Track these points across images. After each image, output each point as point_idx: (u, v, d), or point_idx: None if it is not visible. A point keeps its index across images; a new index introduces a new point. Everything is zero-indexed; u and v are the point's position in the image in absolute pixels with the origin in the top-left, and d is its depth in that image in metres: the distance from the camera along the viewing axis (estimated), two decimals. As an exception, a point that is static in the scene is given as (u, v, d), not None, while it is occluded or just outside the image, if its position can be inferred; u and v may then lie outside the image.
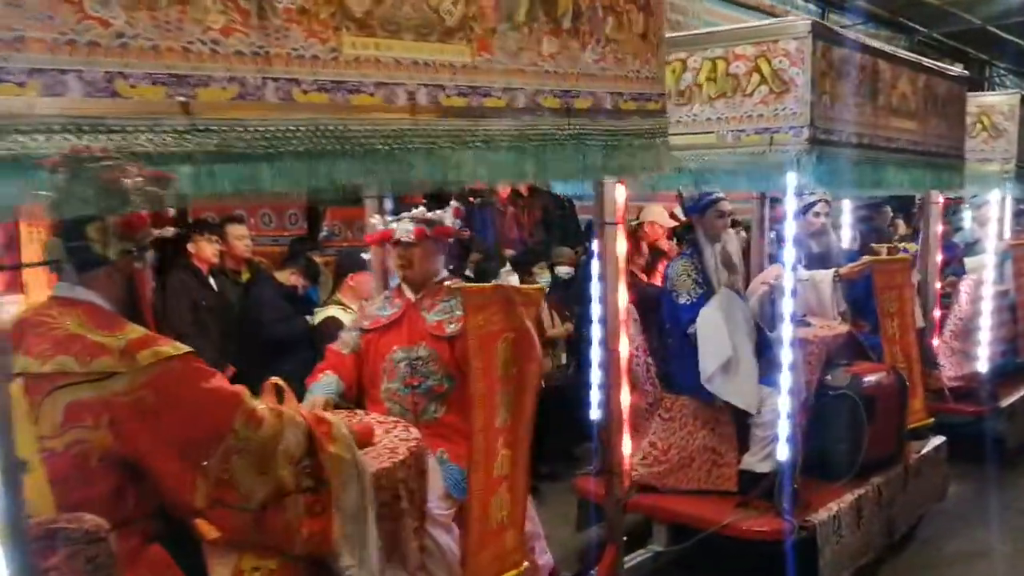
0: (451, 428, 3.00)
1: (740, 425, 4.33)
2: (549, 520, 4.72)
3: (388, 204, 3.41)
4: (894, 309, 5.13)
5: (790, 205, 3.89)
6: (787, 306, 3.91)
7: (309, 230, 6.65)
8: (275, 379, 2.30)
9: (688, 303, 4.32)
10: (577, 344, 5.71)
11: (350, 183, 1.89)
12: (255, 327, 4.95)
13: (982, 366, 6.26)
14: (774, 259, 5.55)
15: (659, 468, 4.33)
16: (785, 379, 3.95)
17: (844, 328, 4.83)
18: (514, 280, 5.43)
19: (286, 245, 5.97)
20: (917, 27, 11.95)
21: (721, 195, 4.48)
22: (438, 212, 3.13)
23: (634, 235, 5.82)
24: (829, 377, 4.55)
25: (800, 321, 4.73)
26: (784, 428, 3.98)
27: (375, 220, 3.22)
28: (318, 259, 5.81)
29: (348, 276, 4.85)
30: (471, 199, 7.00)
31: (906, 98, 4.44)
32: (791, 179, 3.84)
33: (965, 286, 6.36)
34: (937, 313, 5.50)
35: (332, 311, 4.75)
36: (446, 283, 3.19)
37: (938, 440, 5.26)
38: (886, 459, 4.65)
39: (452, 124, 2.10)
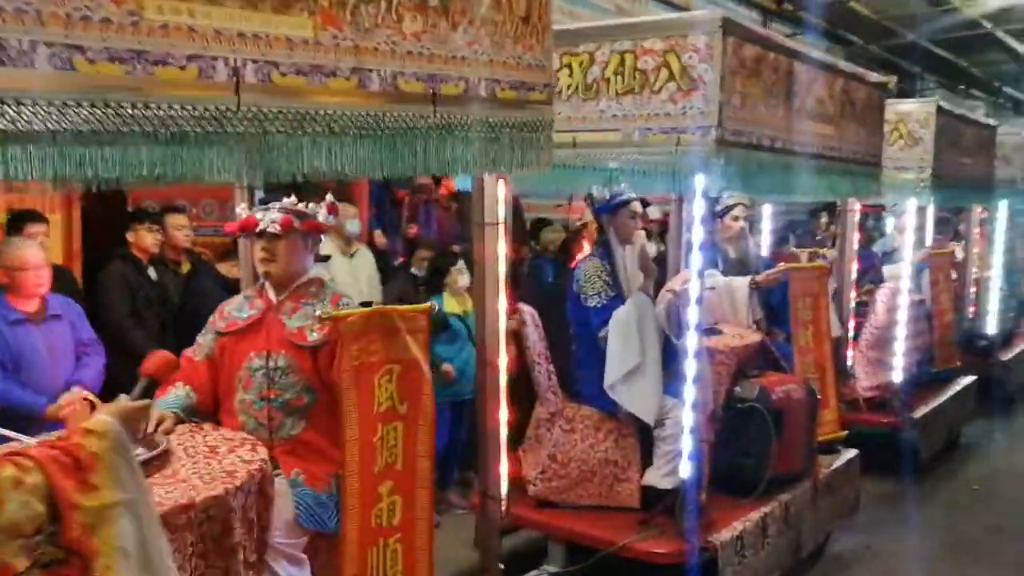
0: (309, 447, 2.70)
1: (644, 438, 4.13)
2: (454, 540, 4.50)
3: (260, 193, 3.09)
4: (808, 317, 5.01)
5: (697, 208, 3.69)
6: (692, 315, 3.72)
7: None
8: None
9: (598, 306, 4.11)
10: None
11: (150, 172, 1.60)
12: (195, 319, 4.69)
13: (897, 376, 6.19)
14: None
15: (558, 483, 4.11)
16: (689, 391, 3.75)
17: (756, 337, 4.67)
18: (465, 280, 5.25)
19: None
20: (854, 40, 12.10)
21: (633, 196, 4.28)
22: (311, 205, 2.83)
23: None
24: (738, 388, 4.38)
25: (710, 330, 4.57)
26: (688, 443, 3.79)
27: (240, 208, 2.89)
28: None
29: None
30: (414, 194, 6.97)
31: (823, 102, 4.28)
32: (699, 181, 3.64)
33: (881, 295, 6.28)
34: (852, 322, 5.37)
35: None
36: (315, 285, 2.89)
37: (850, 454, 5.14)
38: (795, 474, 4.50)
39: (284, 106, 1.82)
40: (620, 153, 3.71)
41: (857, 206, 5.22)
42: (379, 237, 6.69)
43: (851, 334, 5.41)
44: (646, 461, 4.12)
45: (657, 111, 3.55)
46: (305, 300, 2.82)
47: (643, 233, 4.29)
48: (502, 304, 2.57)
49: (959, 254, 8.67)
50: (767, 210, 6.50)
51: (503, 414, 2.61)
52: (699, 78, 3.44)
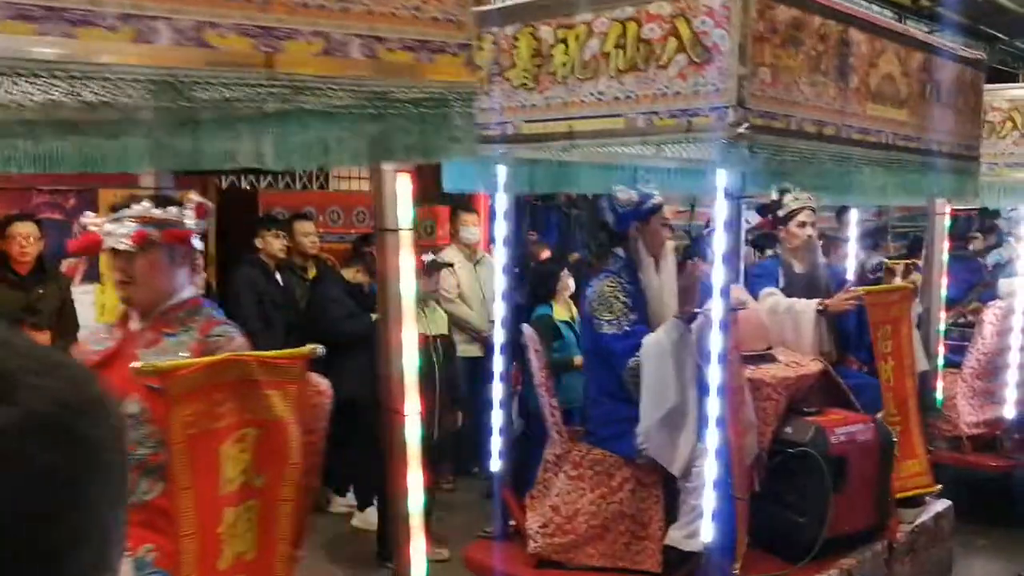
0: (168, 516, 2.15)
1: (669, 488, 3.44)
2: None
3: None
4: (888, 349, 4.17)
5: (720, 211, 2.99)
6: (715, 343, 3.01)
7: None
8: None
9: (615, 333, 3.45)
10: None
11: None
12: (320, 324, 4.97)
13: (1009, 411, 5.23)
14: (749, 277, 4.65)
15: (563, 539, 3.45)
16: (712, 436, 3.05)
17: (816, 367, 3.89)
18: (570, 284, 5.14)
19: (352, 243, 5.85)
20: (999, 35, 11.21)
21: (662, 199, 3.62)
22: (172, 209, 2.29)
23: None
24: (788, 429, 3.63)
25: (762, 356, 3.83)
26: (711, 499, 3.08)
27: (86, 219, 2.35)
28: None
29: None
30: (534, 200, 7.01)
31: (894, 80, 3.50)
32: (720, 178, 2.95)
33: (991, 315, 5.33)
34: (942, 348, 4.49)
35: None
36: (184, 309, 2.32)
37: (941, 506, 4.27)
38: (863, 533, 3.71)
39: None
40: (623, 143, 3.05)
41: (947, 209, 4.35)
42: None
43: (940, 362, 4.52)
44: (670, 516, 3.43)
45: (664, 89, 2.88)
46: (168, 329, 2.27)
47: (673, 244, 3.59)
48: (410, 334, 1.97)
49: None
50: (855, 215, 5.63)
51: (413, 479, 1.98)
52: (714, 47, 2.76)
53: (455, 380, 4.82)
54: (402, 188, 1.96)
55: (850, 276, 5.22)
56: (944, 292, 4.65)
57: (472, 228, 5.83)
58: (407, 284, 1.99)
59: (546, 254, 6.59)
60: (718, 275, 2.96)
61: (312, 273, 5.53)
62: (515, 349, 4.62)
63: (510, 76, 3.32)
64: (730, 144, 2.74)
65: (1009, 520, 5.25)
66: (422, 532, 2.06)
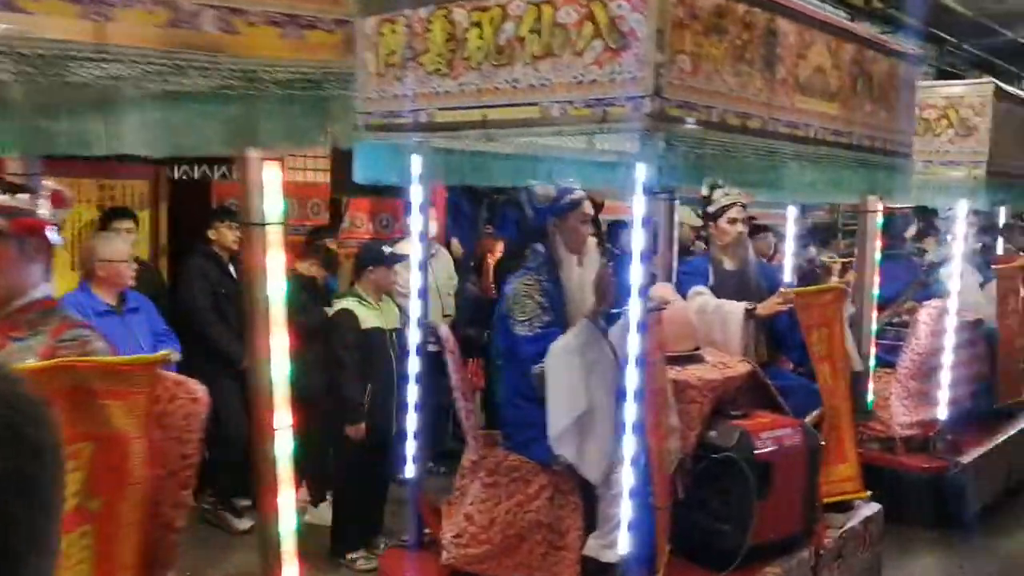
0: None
1: (588, 495, 3.30)
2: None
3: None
4: (824, 352, 4.07)
5: (638, 206, 2.83)
6: (633, 345, 2.86)
7: (330, 220, 6.58)
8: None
9: (528, 335, 3.29)
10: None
11: None
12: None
13: (942, 412, 5.18)
14: (679, 275, 4.53)
15: (477, 550, 3.29)
16: (628, 443, 2.90)
17: (743, 368, 3.77)
18: None
19: (306, 235, 5.84)
20: (947, 38, 11.56)
21: (584, 194, 3.46)
22: (23, 196, 2.06)
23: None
24: (713, 433, 3.50)
25: (690, 357, 3.70)
26: (628, 508, 2.93)
27: None
28: (339, 250, 5.77)
29: (369, 268, 4.71)
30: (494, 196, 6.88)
31: (823, 72, 3.38)
32: (639, 172, 2.80)
33: (926, 315, 5.27)
34: (873, 349, 4.40)
35: (347, 303, 4.62)
36: (36, 310, 2.09)
37: (870, 510, 4.19)
38: (788, 541, 3.60)
39: None
40: (537, 133, 2.89)
41: (879, 206, 4.27)
42: (456, 247, 6.65)
43: (872, 363, 4.44)
44: (590, 525, 3.28)
45: (580, 77, 2.72)
46: (15, 333, 2.04)
47: (595, 242, 3.44)
48: (280, 341, 1.77)
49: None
50: (793, 212, 5.53)
51: (287, 500, 1.79)
52: (630, 32, 2.60)
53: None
54: (270, 178, 1.77)
55: (788, 274, 5.13)
56: (877, 291, 4.56)
57: (430, 224, 5.65)
58: (276, 286, 1.79)
59: (500, 248, 6.56)
60: (636, 274, 2.81)
61: None
62: (471, 347, 4.48)
63: (423, 61, 3.14)
64: (647, 136, 2.59)
65: (941, 522, 5.22)
66: (295, 557, 1.87)
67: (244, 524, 4.98)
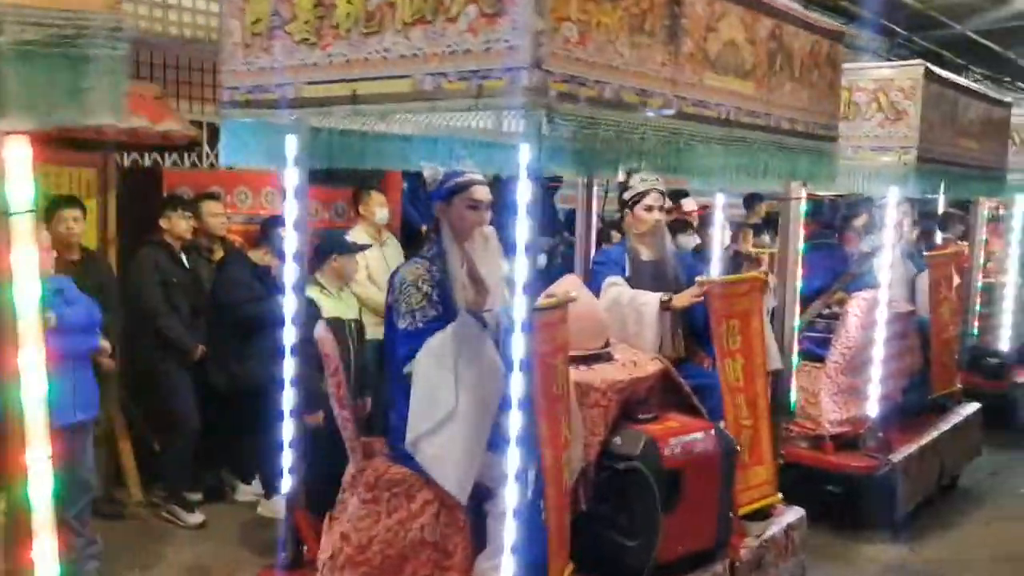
0: None
1: (479, 512, 3.00)
2: None
3: None
4: (737, 345, 3.82)
5: (523, 192, 2.52)
6: (516, 346, 2.56)
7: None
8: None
9: (409, 330, 2.98)
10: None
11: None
12: (226, 306, 5.00)
13: (872, 408, 4.98)
14: (592, 265, 4.25)
15: (353, 572, 2.97)
16: (512, 456, 2.60)
17: (655, 367, 3.50)
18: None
19: (260, 224, 5.77)
20: (898, 30, 11.61)
21: (476, 177, 3.15)
22: None
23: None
24: (617, 440, 3.22)
25: (596, 356, 3.42)
26: (512, 528, 2.64)
27: None
28: None
29: (331, 257, 4.63)
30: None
31: (736, 47, 3.10)
32: (523, 154, 2.49)
33: (856, 306, 5.06)
34: (796, 346, 4.16)
35: (309, 292, 4.30)
36: None
37: (792, 516, 3.96)
38: (700, 555, 3.35)
39: None
40: (410, 109, 2.56)
41: (803, 193, 4.01)
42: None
43: (795, 360, 4.19)
44: (480, 543, 2.99)
45: (454, 46, 2.40)
46: None
47: (491, 230, 3.13)
48: (31, 356, 1.43)
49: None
50: (721, 199, 5.28)
51: (46, 550, 1.46)
52: (507, -5, 2.29)
53: (367, 365, 4.66)
54: (15, 156, 1.42)
55: (716, 265, 4.89)
56: (800, 283, 4.33)
57: (382, 210, 5.78)
58: (26, 289, 1.45)
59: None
60: (520, 268, 2.51)
61: (219, 255, 5.46)
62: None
63: (291, 30, 2.80)
64: (527, 113, 2.28)
65: (870, 523, 5.04)
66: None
67: (196, 519, 5.03)
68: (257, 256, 5.22)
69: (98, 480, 4.45)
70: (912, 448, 5.26)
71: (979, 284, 6.56)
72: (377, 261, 5.55)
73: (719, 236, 5.05)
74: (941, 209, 8.98)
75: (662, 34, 2.72)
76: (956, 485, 6.07)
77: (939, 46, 12.53)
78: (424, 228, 6.51)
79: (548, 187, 7.90)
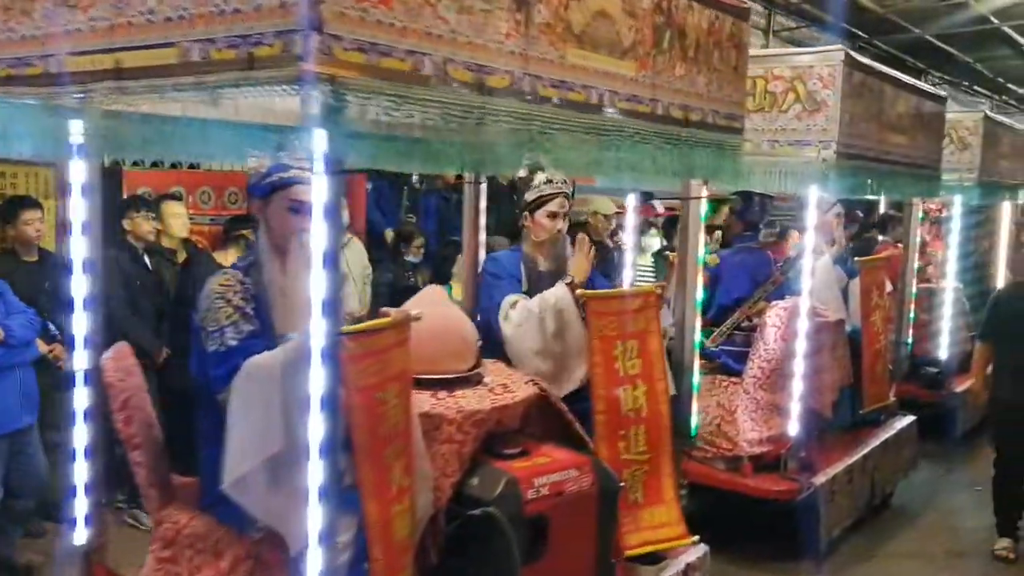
0: None
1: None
2: None
3: None
4: (637, 370, 3.36)
5: (318, 189, 2.03)
6: (313, 378, 2.07)
7: (249, 210, 6.34)
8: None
9: (220, 351, 2.48)
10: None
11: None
12: (190, 309, 4.75)
13: (793, 427, 4.57)
14: (484, 276, 3.78)
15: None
16: (315, 512, 2.11)
17: (527, 391, 3.03)
18: None
19: (224, 225, 5.78)
20: (859, 34, 11.69)
21: (303, 173, 2.66)
22: None
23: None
24: (475, 480, 2.75)
25: (458, 380, 2.95)
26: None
27: None
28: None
29: None
30: (417, 185, 7.25)
31: (610, 20, 2.64)
32: (318, 142, 1.99)
33: (775, 316, 4.65)
34: (697, 367, 3.70)
35: None
36: None
37: (693, 555, 3.52)
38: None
39: None
40: (177, 84, 2.06)
41: (704, 192, 3.58)
42: (389, 236, 6.84)
43: (695, 380, 3.74)
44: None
45: (222, 5, 1.91)
46: None
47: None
48: None
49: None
50: (632, 200, 4.83)
51: None
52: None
53: None
54: None
55: (628, 274, 4.45)
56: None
57: (343, 213, 5.36)
58: None
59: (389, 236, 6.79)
60: (317, 284, 2.02)
61: (182, 257, 5.34)
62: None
63: (54, -11, 2.29)
64: (303, 90, 1.80)
65: (792, 552, 4.63)
66: None
67: None
68: (222, 257, 5.15)
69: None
70: (839, 467, 4.87)
71: (914, 290, 6.18)
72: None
73: (632, 241, 4.61)
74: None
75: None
76: (889, 503, 5.69)
77: (900, 50, 12.69)
78: (388, 232, 6.85)
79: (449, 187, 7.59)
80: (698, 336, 3.58)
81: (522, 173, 3.71)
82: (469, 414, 2.78)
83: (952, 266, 7.12)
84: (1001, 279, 8.43)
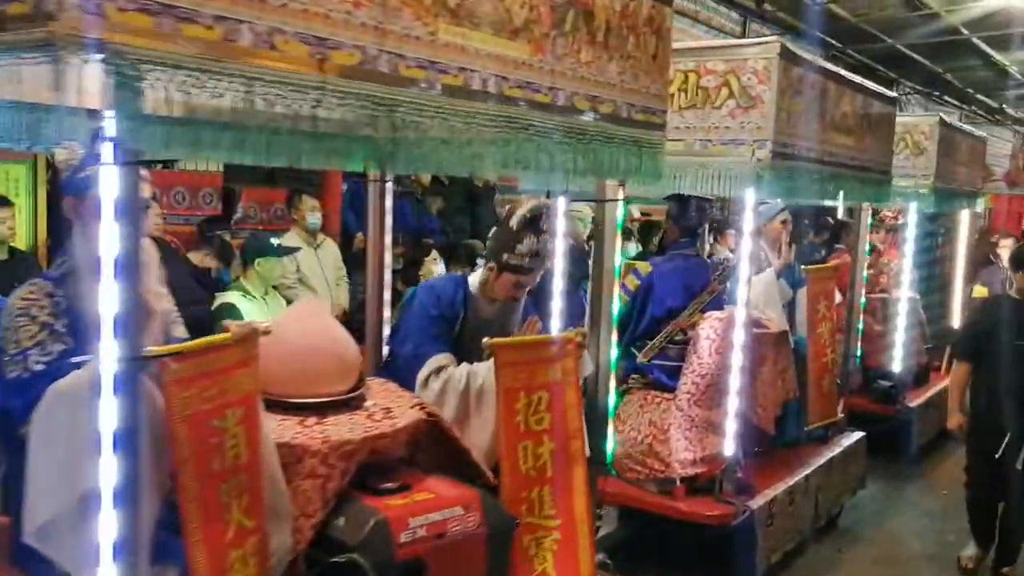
0: None
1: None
2: None
3: None
4: (544, 426, 3.00)
5: (106, 183, 1.68)
6: (105, 409, 1.71)
7: (224, 211, 6.52)
8: None
9: (24, 376, 2.11)
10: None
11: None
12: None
13: (729, 446, 4.26)
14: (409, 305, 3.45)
15: None
16: (107, 567, 1.75)
17: (411, 418, 2.69)
18: (440, 269, 5.47)
19: (197, 225, 5.87)
20: (833, 43, 11.70)
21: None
22: None
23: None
24: (342, 520, 2.40)
25: (334, 404, 2.61)
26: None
27: None
28: (231, 241, 5.66)
29: (255, 261, 4.69)
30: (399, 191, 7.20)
31: (502, 8, 2.31)
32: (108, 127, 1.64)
33: (709, 328, 4.33)
34: (612, 387, 3.36)
35: (231, 297, 4.59)
36: None
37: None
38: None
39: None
40: None
41: (620, 194, 3.24)
42: (360, 241, 6.68)
43: (611, 403, 3.40)
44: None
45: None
46: None
47: (147, 242, 2.26)
48: None
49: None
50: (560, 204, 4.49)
51: None
52: None
53: None
54: None
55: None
56: (619, 308, 3.58)
57: (313, 214, 5.78)
58: None
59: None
60: (106, 299, 1.66)
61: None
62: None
63: None
64: (54, 58, 1.45)
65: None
66: None
67: None
68: (197, 258, 5.21)
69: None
70: (780, 489, 4.56)
71: (863, 300, 5.91)
72: (310, 264, 5.64)
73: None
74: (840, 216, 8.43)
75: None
76: (836, 524, 5.41)
77: (873, 60, 12.71)
78: (359, 235, 6.73)
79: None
80: (614, 353, 3.24)
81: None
82: (336, 445, 2.42)
83: (907, 275, 6.86)
84: (959, 290, 8.24)
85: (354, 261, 6.16)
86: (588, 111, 2.68)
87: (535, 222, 3.11)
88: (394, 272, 5.95)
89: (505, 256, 3.17)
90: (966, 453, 4.97)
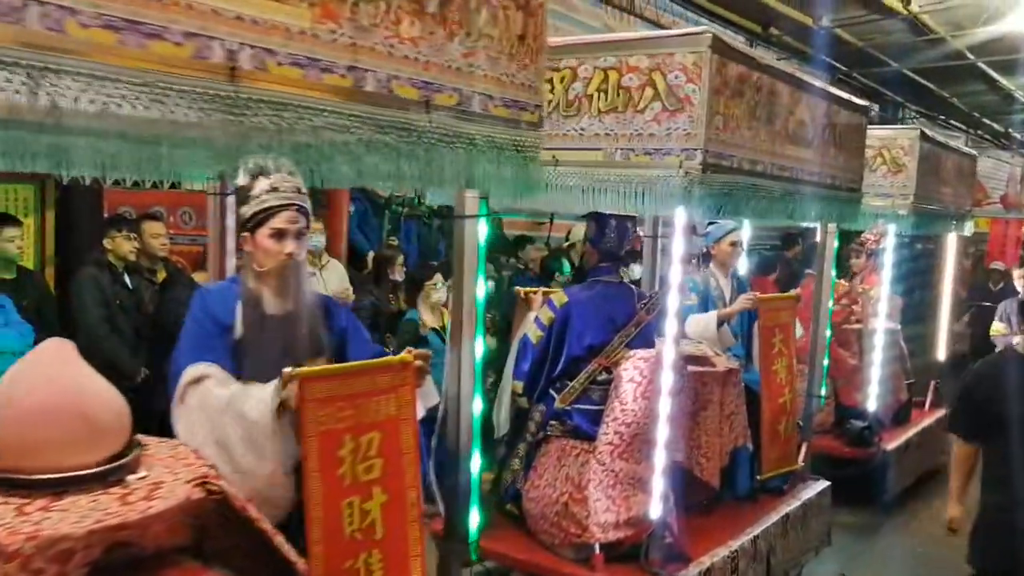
0: None
1: None
2: None
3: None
4: (374, 474, 2.38)
5: None
6: None
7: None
8: None
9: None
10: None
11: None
12: (170, 329, 4.58)
13: (656, 508, 3.63)
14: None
15: None
16: None
17: (185, 494, 2.06)
18: (440, 294, 5.43)
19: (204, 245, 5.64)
20: (839, 67, 11.89)
21: None
22: None
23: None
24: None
25: (76, 481, 1.99)
26: None
27: None
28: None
29: None
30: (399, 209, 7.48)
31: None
32: None
33: (633, 368, 3.71)
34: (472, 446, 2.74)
35: None
36: None
37: None
38: None
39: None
40: None
41: (479, 208, 2.63)
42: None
43: (474, 469, 2.78)
44: None
45: None
46: None
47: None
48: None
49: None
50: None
51: None
52: None
53: None
54: None
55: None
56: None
57: (317, 236, 5.69)
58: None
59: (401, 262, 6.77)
60: None
61: (161, 276, 5.35)
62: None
63: None
64: None
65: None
66: None
67: None
68: (202, 277, 5.08)
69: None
70: (719, 555, 3.92)
71: (828, 332, 5.28)
72: (314, 285, 5.37)
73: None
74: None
75: None
76: (796, 588, 4.77)
77: (878, 83, 12.80)
78: (371, 253, 6.95)
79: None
80: (478, 407, 2.61)
81: (242, 180, 2.63)
82: (45, 543, 1.78)
83: (884, 304, 6.23)
84: (945, 320, 7.62)
85: (363, 281, 6.38)
86: (416, 101, 2.07)
87: (264, 168, 2.41)
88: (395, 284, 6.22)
89: (244, 210, 2.50)
90: (967, 558, 3.66)
